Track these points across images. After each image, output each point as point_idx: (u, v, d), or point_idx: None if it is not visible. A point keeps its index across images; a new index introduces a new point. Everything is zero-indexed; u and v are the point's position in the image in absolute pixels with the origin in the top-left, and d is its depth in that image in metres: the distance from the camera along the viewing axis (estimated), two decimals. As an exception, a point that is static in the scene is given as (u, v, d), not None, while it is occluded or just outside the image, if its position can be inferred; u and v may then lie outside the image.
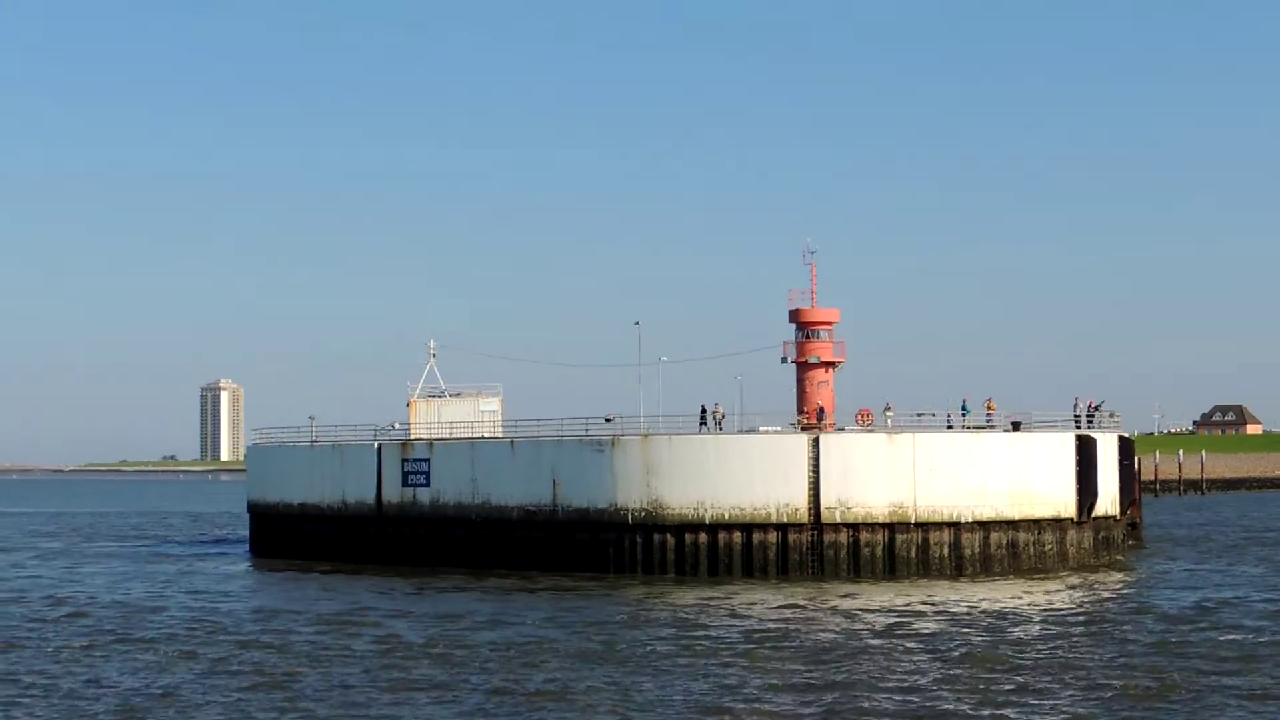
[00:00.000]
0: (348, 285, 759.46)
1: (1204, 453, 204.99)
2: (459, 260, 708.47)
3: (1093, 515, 77.05)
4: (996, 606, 60.02)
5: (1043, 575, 72.38)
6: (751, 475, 73.01)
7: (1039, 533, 75.14)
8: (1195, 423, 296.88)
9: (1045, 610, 58.85)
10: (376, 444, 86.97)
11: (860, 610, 58.98)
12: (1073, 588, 67.64)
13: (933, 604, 60.84)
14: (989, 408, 77.46)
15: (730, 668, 44.96)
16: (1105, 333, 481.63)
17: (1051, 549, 75.43)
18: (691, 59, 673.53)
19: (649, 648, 49.07)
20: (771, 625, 54.66)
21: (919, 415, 76.55)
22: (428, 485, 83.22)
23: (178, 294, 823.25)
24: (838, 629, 53.59)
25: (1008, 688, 41.09)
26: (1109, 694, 40.09)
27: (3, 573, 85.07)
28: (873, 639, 50.77)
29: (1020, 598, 63.26)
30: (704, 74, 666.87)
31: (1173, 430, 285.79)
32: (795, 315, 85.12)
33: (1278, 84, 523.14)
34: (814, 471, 72.51)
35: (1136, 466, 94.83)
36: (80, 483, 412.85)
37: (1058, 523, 75.70)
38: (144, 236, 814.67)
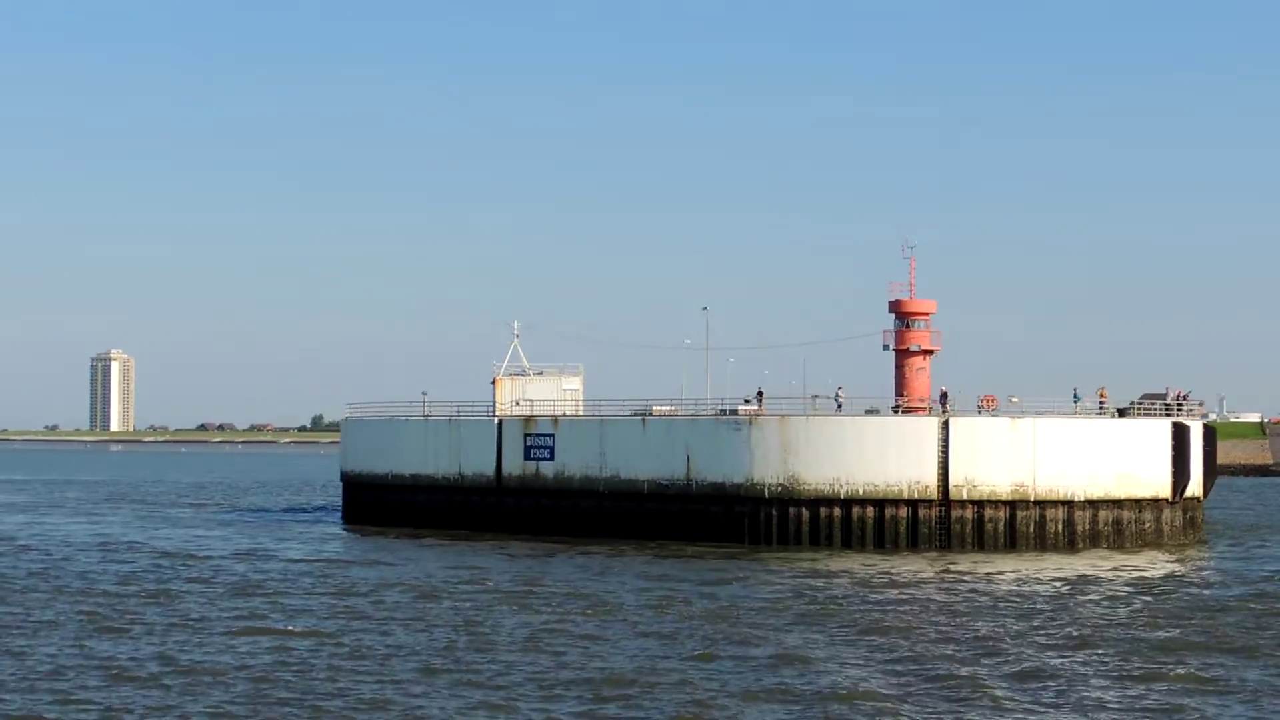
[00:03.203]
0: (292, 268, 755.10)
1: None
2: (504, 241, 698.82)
3: (1184, 496, 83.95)
4: (1156, 574, 66.67)
5: (1148, 549, 79.13)
6: (885, 454, 78.90)
7: (1139, 511, 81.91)
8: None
9: (1198, 578, 65.64)
10: (497, 419, 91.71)
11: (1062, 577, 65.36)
12: (1191, 560, 74.52)
13: (1099, 571, 67.42)
14: (1101, 396, 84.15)
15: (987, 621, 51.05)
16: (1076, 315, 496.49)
17: (1150, 526, 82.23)
18: (785, 49, 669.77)
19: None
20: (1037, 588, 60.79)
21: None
22: (551, 459, 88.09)
23: (68, 261, 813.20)
24: (1066, 589, 59.83)
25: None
26: None
27: (153, 535, 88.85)
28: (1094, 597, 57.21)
29: (1162, 567, 70.03)
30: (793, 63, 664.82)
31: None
32: (895, 306, 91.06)
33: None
34: (943, 452, 78.58)
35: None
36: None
37: (1155, 503, 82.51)
38: (38, 199, 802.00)
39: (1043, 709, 36.95)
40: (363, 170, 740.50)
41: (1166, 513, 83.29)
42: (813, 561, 71.91)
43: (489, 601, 56.00)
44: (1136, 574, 67.77)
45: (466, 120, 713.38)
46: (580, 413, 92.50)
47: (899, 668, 42.09)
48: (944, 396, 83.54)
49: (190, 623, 50.03)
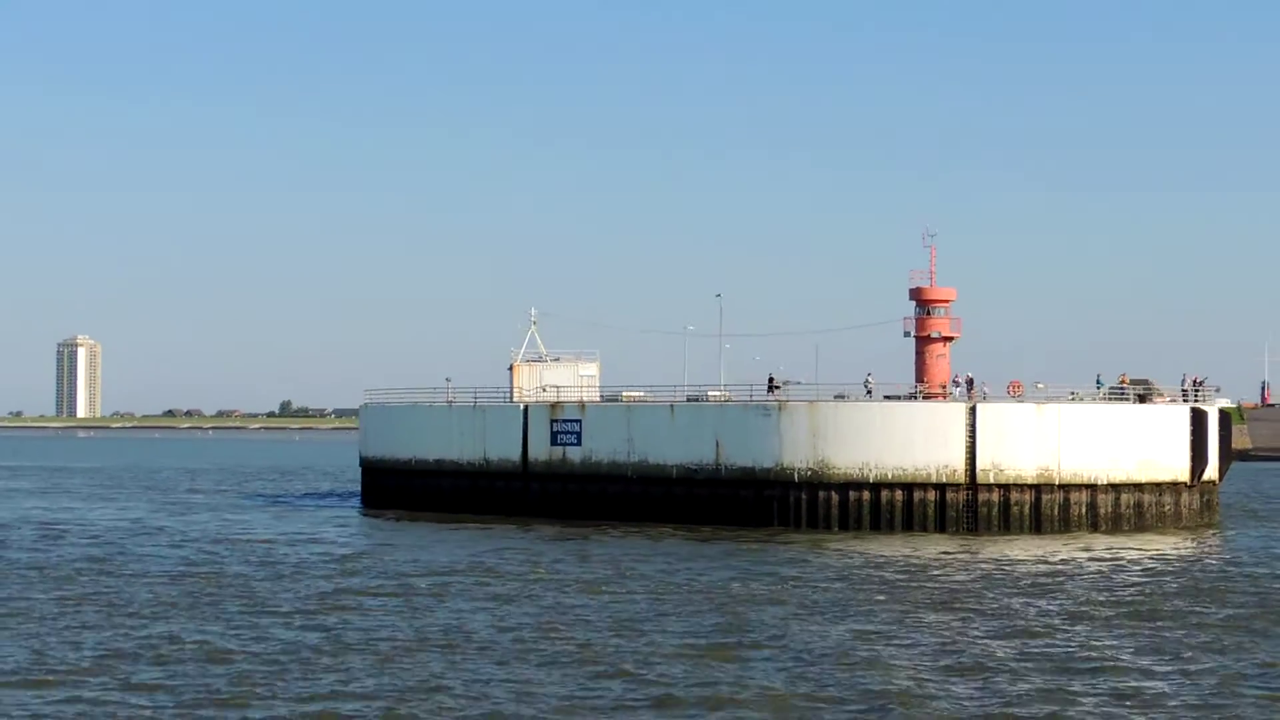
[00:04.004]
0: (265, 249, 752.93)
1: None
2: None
3: (1201, 480, 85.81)
4: (1183, 554, 68.55)
5: (1169, 531, 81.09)
6: (913, 439, 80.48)
7: (1160, 494, 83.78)
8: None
9: (1228, 558, 67.56)
10: (522, 404, 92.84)
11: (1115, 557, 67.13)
12: (1215, 540, 76.51)
13: (1145, 552, 69.36)
14: (1123, 381, 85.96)
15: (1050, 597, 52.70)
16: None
17: (1169, 509, 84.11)
18: (799, 31, 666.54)
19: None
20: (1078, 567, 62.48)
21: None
22: (579, 444, 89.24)
23: (34, 246, 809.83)
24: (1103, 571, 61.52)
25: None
26: None
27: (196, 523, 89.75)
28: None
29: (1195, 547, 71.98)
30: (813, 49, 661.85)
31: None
32: (916, 293, 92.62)
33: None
34: (970, 437, 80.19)
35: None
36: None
37: (1174, 486, 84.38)
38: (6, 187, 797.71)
39: (1110, 681, 38.43)
40: (349, 157, 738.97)
41: (1185, 496, 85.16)
42: (846, 543, 73.40)
43: (552, 583, 57.23)
44: (1164, 554, 69.64)
45: (467, 108, 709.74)
46: (599, 399, 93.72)
47: (960, 644, 43.53)
48: (969, 383, 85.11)
49: (269, 605, 51.04)
